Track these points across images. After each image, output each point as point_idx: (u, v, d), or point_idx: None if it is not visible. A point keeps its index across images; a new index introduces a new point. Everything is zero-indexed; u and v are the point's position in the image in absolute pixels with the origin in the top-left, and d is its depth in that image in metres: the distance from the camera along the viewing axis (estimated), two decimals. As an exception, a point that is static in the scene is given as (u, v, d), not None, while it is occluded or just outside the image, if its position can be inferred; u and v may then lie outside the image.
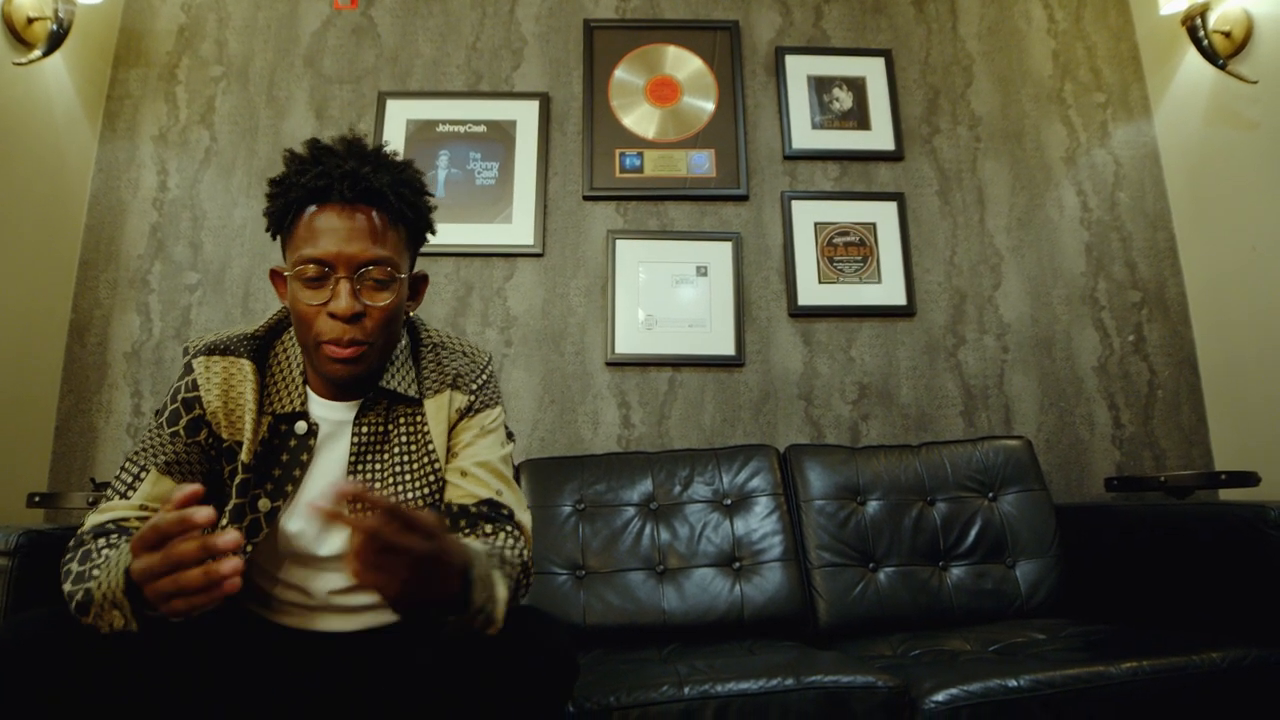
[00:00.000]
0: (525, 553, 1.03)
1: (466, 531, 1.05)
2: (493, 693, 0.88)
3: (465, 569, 0.82)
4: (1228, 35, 2.08)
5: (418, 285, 1.14)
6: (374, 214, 1.00)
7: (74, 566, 0.89)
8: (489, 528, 1.04)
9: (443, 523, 0.80)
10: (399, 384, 1.09)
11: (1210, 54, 2.07)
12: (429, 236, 1.12)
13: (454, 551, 0.81)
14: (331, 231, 0.97)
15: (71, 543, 0.94)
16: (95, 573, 0.85)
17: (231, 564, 0.72)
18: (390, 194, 1.00)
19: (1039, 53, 2.46)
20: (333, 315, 0.97)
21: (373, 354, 1.02)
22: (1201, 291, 2.23)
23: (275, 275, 1.09)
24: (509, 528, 1.05)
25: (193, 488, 0.76)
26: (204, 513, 0.73)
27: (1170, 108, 2.33)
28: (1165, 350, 2.24)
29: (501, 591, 0.88)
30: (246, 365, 1.06)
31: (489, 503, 1.06)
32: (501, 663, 0.89)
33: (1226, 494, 1.99)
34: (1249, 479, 1.83)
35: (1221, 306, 2.15)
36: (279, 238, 1.05)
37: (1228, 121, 2.12)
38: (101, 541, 0.92)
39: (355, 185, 0.97)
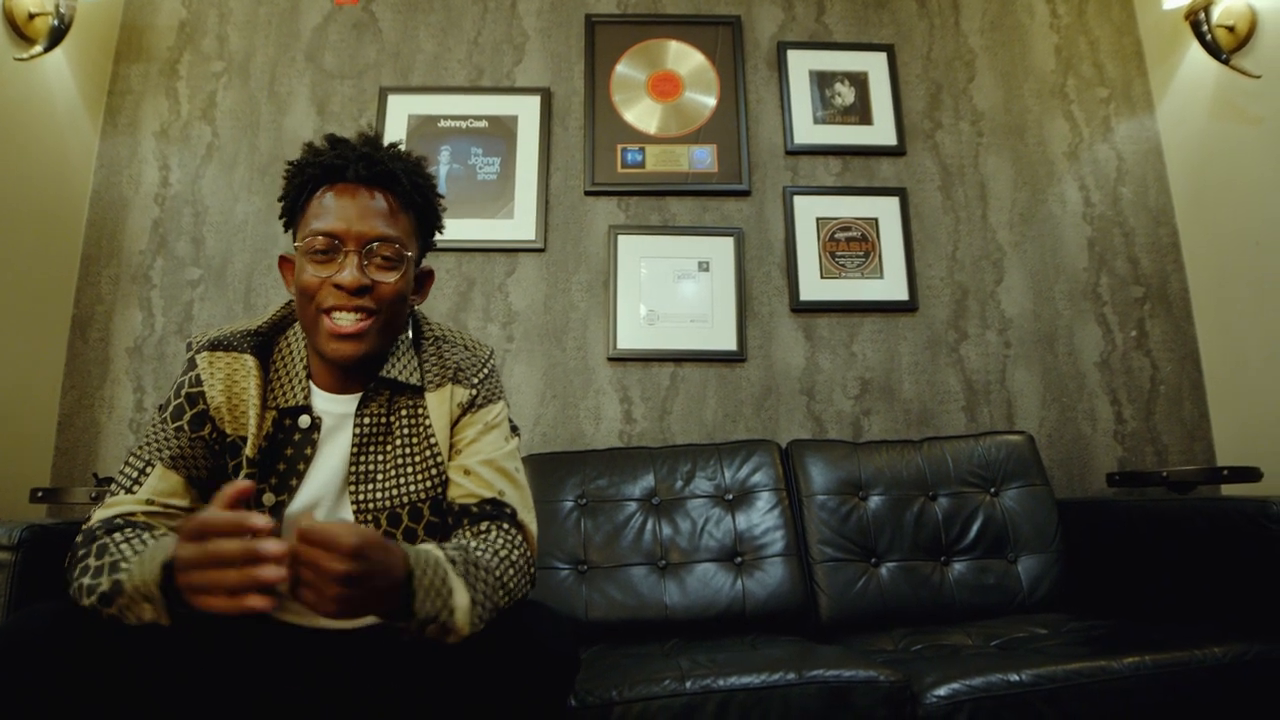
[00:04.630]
0: (526, 553, 1.02)
1: (466, 529, 1.04)
2: (494, 686, 0.88)
3: (407, 580, 0.81)
4: (1231, 30, 2.07)
5: (423, 281, 1.15)
6: (386, 195, 1.04)
7: (91, 561, 0.87)
8: (484, 525, 1.03)
9: (371, 536, 0.77)
10: (400, 373, 1.09)
11: (1213, 49, 2.06)
12: (437, 235, 1.15)
13: (388, 564, 0.79)
14: (343, 208, 1.01)
15: (80, 537, 0.93)
16: (125, 564, 0.84)
17: (274, 572, 0.73)
18: (403, 177, 1.04)
19: (1041, 47, 2.45)
20: (338, 286, 0.99)
21: (375, 332, 1.02)
22: (1204, 287, 2.23)
23: (284, 262, 1.11)
24: (506, 525, 1.03)
25: (244, 484, 0.77)
26: (261, 520, 0.74)
27: (1173, 102, 2.33)
28: (1167, 345, 2.24)
29: (460, 599, 0.85)
30: (250, 360, 1.06)
31: (491, 502, 1.05)
32: (503, 656, 0.89)
33: (1229, 489, 1.99)
34: (1251, 474, 1.83)
35: (1224, 302, 2.15)
36: (291, 228, 1.08)
37: (1231, 116, 2.11)
38: (118, 535, 0.90)
39: (370, 166, 1.02)
